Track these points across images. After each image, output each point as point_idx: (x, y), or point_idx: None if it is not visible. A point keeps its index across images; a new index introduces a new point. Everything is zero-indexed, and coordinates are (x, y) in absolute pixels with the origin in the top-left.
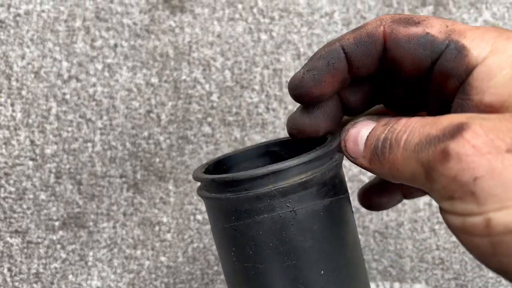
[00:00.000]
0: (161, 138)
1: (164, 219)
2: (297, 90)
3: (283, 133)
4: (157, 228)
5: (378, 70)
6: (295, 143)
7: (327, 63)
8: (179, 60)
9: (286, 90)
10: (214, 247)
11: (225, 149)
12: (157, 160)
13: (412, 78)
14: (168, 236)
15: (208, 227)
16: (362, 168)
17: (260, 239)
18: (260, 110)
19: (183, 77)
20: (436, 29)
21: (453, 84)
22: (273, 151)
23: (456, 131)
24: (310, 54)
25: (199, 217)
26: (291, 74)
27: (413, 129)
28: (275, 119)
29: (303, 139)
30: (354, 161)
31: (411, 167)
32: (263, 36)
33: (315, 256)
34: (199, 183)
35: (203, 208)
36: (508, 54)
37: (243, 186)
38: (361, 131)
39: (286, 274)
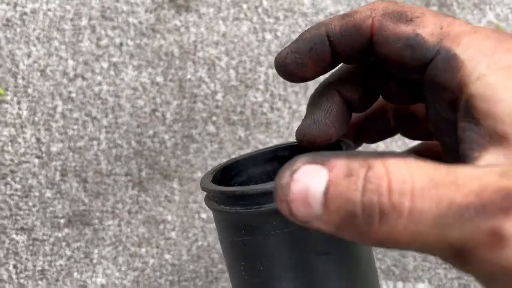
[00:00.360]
0: (166, 137)
1: (169, 217)
2: (280, 69)
3: (287, 133)
4: (161, 226)
5: (365, 61)
6: (306, 148)
7: (310, 47)
8: (184, 59)
9: (290, 90)
10: (218, 246)
11: (230, 148)
12: (162, 158)
13: (402, 75)
14: (173, 234)
15: (213, 225)
16: (319, 231)
17: (272, 255)
18: (264, 110)
19: (188, 76)
20: (428, 30)
21: (447, 96)
22: (282, 156)
23: (508, 204)
24: None
25: (203, 215)
26: None
27: (416, 189)
28: (279, 119)
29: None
30: (306, 225)
31: (427, 244)
32: (268, 36)
33: (330, 273)
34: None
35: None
36: (510, 71)
37: (254, 200)
38: (310, 187)
39: None
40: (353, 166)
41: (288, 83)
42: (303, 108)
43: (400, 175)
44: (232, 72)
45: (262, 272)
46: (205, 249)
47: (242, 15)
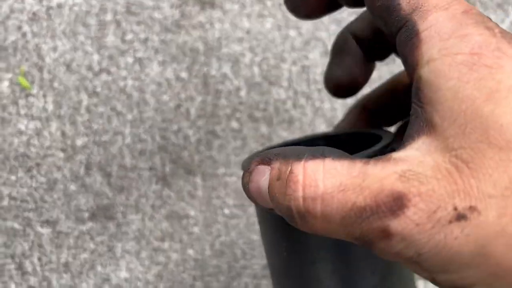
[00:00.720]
0: (190, 132)
1: (192, 213)
2: (287, 2)
3: (310, 130)
4: (184, 221)
5: (358, 5)
6: (341, 139)
7: None
8: (209, 56)
9: (313, 87)
10: (241, 241)
11: (253, 145)
12: (186, 154)
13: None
14: (196, 229)
15: (236, 221)
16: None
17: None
18: (287, 107)
19: (213, 72)
20: None
21: (408, 72)
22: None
23: (395, 207)
24: None
25: (226, 211)
26: (319, 71)
27: (326, 194)
28: (302, 116)
29: (351, 131)
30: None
31: (341, 237)
32: (292, 33)
33: (367, 256)
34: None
35: (230, 202)
36: (458, 58)
37: None
38: (260, 187)
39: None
40: (282, 169)
41: (311, 80)
42: (326, 105)
43: (314, 181)
44: (255, 69)
45: (302, 253)
46: (228, 245)
47: (266, 12)
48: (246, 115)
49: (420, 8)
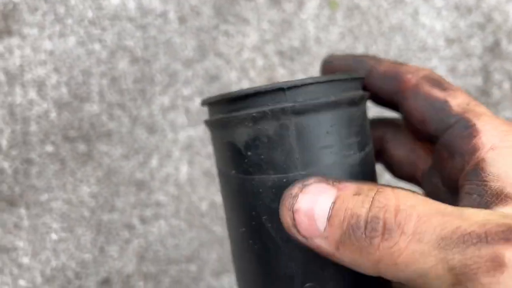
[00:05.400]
0: (6, 165)
1: (20, 244)
2: (325, 63)
3: (131, 140)
4: (13, 253)
5: (389, 106)
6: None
7: (355, 66)
8: (12, 84)
9: (127, 97)
10: (72, 262)
11: (73, 165)
12: (5, 186)
13: (418, 130)
14: (25, 259)
15: (64, 245)
16: (318, 251)
17: None
18: (103, 121)
19: (18, 100)
20: (457, 101)
21: (457, 161)
22: None
23: (509, 234)
24: (148, 57)
25: (54, 236)
26: (130, 79)
27: (423, 214)
28: (120, 127)
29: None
30: (305, 241)
31: (426, 265)
32: (96, 47)
33: None
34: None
35: (57, 226)
36: None
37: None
38: (318, 201)
39: None
40: (363, 188)
41: (124, 90)
42: (144, 113)
43: (408, 201)
44: (63, 89)
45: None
46: (59, 269)
47: (67, 31)
48: (60, 137)
49: (472, 111)
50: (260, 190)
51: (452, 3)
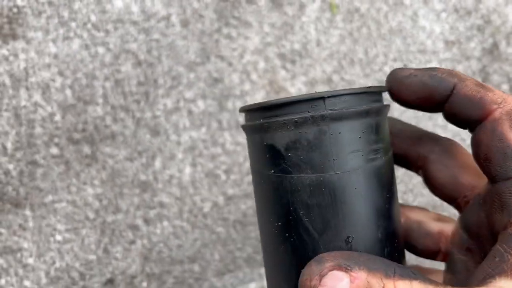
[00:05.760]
0: (10, 167)
1: (25, 245)
2: (393, 80)
3: (135, 141)
4: (18, 254)
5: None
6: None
7: (428, 86)
8: (17, 88)
9: (130, 99)
10: (77, 263)
11: (78, 167)
12: (10, 188)
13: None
14: (30, 260)
15: (69, 245)
16: None
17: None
18: (107, 123)
19: (23, 103)
20: None
21: (504, 217)
22: None
23: None
24: (151, 60)
25: (58, 237)
26: (134, 82)
27: None
28: (124, 129)
29: None
30: None
31: None
32: (100, 50)
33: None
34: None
35: (62, 227)
36: None
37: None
38: None
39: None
40: (372, 282)
41: (127, 92)
42: (148, 115)
43: None
44: (68, 92)
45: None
46: (63, 270)
47: (71, 34)
48: (65, 139)
49: None
50: (299, 187)
51: (451, 6)
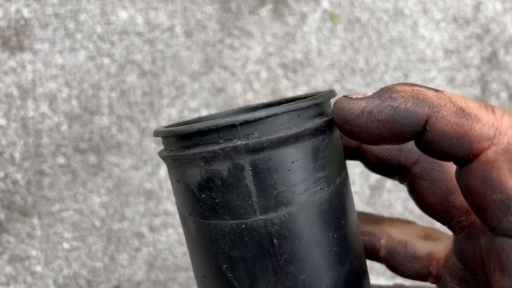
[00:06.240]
0: (18, 176)
1: (33, 253)
2: (345, 123)
3: (140, 151)
4: (27, 262)
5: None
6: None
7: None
8: (24, 98)
9: (135, 109)
10: (84, 271)
11: (84, 176)
12: (18, 197)
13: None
14: (38, 268)
15: (76, 253)
16: None
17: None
18: (113, 132)
19: (30, 113)
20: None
21: (499, 278)
22: None
23: None
24: (156, 70)
25: (66, 245)
26: (139, 92)
27: None
28: (129, 138)
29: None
30: None
31: None
32: (106, 61)
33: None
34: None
35: (69, 235)
36: None
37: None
38: None
39: None
40: None
41: (132, 102)
42: (153, 125)
43: None
44: (74, 102)
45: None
46: (71, 277)
47: (77, 45)
48: (71, 149)
49: None
50: (218, 236)
51: (451, 15)
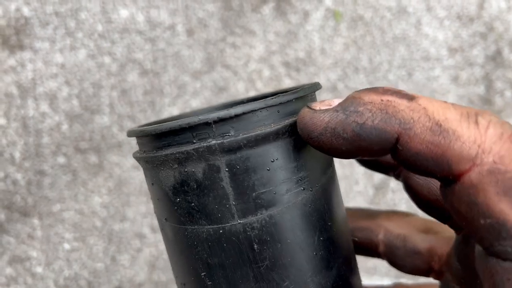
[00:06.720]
0: (19, 176)
1: (34, 254)
2: (310, 137)
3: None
4: (27, 263)
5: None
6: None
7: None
8: (25, 98)
9: (137, 108)
10: (85, 272)
11: (85, 176)
12: (18, 198)
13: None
14: (39, 269)
15: (76, 254)
16: None
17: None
18: (114, 132)
19: (31, 113)
20: None
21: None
22: None
23: None
24: (157, 69)
25: (66, 246)
26: (141, 91)
27: None
28: (131, 138)
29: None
30: None
31: None
32: (106, 60)
33: None
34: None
35: (70, 236)
36: None
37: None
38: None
39: None
40: None
41: (134, 102)
42: None
43: None
44: (75, 101)
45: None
46: (72, 278)
47: (78, 44)
48: (72, 148)
49: None
50: (195, 242)
51: (454, 13)
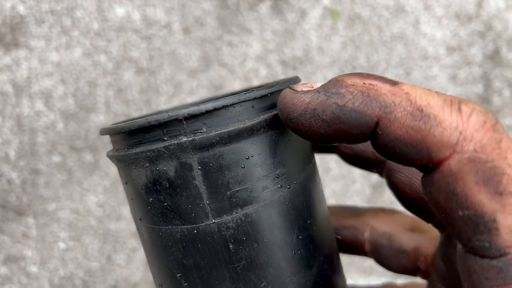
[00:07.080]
0: (14, 175)
1: (29, 253)
2: (289, 118)
3: None
4: (22, 262)
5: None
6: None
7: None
8: (20, 96)
9: (133, 107)
10: (80, 271)
11: (80, 175)
12: (13, 196)
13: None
14: (34, 268)
15: (72, 253)
16: None
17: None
18: None
19: (26, 111)
20: (509, 224)
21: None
22: None
23: None
24: (153, 67)
25: (62, 245)
26: (136, 90)
27: None
28: None
29: None
30: None
31: None
32: (102, 58)
33: None
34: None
35: (65, 235)
36: None
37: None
38: None
39: None
40: None
41: (130, 100)
42: None
43: None
44: (70, 100)
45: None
46: (67, 278)
47: (73, 42)
48: (67, 147)
49: None
50: (170, 243)
51: (453, 12)
